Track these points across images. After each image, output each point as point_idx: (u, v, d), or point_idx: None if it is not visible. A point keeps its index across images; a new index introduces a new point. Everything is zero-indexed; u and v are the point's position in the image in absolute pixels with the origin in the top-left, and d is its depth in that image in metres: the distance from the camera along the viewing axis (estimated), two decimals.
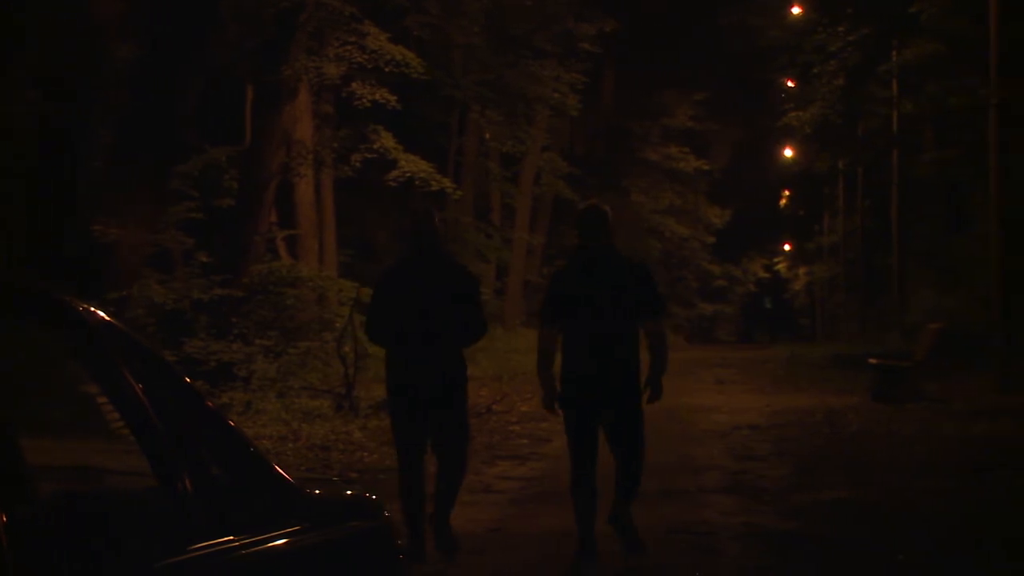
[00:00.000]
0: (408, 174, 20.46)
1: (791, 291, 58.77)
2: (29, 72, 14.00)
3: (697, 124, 42.95)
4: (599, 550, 7.21)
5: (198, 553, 3.01)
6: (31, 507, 2.66)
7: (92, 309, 3.18)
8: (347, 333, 16.01)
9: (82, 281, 12.08)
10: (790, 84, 37.91)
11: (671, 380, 7.99)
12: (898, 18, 25.43)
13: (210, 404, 3.53)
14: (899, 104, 29.26)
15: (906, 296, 29.97)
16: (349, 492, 4.82)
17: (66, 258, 12.70)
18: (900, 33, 26.61)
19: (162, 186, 14.30)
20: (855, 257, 39.15)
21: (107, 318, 3.22)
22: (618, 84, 41.04)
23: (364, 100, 19.14)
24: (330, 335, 17.43)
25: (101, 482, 3.47)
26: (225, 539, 3.12)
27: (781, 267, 58.34)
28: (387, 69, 18.79)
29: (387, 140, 20.43)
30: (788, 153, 46.36)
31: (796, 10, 35.05)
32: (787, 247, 57.70)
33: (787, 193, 53.14)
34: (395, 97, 19.17)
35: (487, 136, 29.39)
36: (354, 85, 19.15)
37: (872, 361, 18.02)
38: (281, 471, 3.54)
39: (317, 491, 3.92)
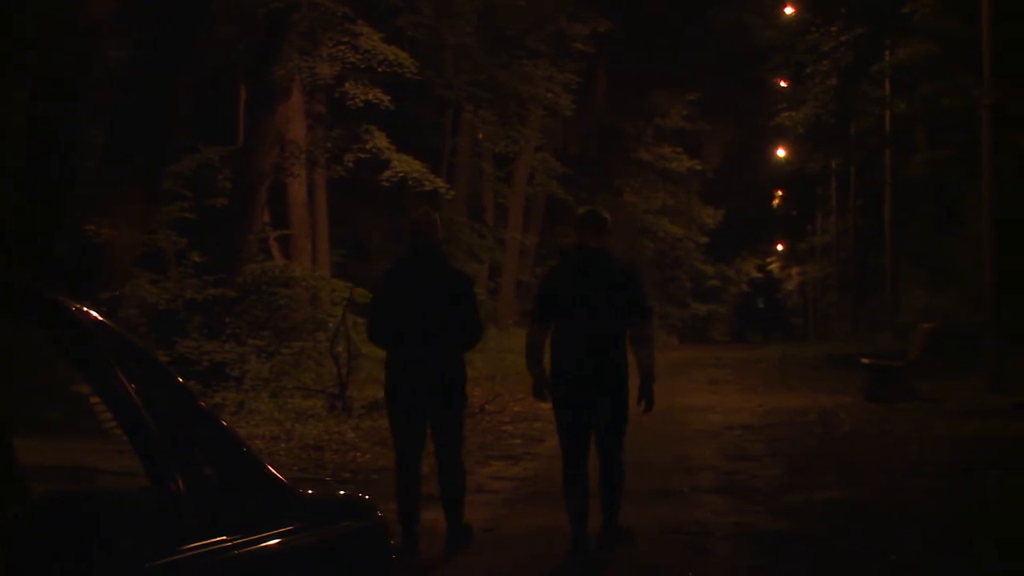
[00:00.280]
0: (401, 174, 20.44)
1: (784, 291, 58.78)
2: (22, 72, 13.98)
3: (690, 124, 42.91)
4: (591, 549, 7.24)
5: (191, 553, 3.01)
6: (23, 507, 2.66)
7: (85, 309, 3.18)
8: (340, 333, 15.99)
9: (74, 281, 12.05)
10: (783, 84, 37.99)
11: (663, 381, 8.03)
12: (891, 18, 25.45)
13: (203, 404, 3.53)
14: (892, 104, 29.32)
15: (898, 296, 29.98)
16: (342, 492, 4.82)
17: (58, 258, 12.66)
18: (893, 33, 26.64)
19: (155, 186, 14.26)
20: (848, 257, 39.14)
21: (100, 318, 3.22)
22: (611, 84, 41.04)
23: (357, 100, 19.12)
24: (323, 335, 17.42)
25: (93, 482, 3.47)
26: (218, 539, 3.12)
27: (774, 267, 58.36)
28: (380, 69, 18.77)
29: (380, 140, 20.41)
30: (781, 153, 46.43)
31: (789, 10, 35.11)
32: (780, 247, 57.72)
33: (780, 193, 53.17)
34: (388, 97, 19.15)
35: (480, 136, 29.36)
36: (347, 85, 19.14)
37: (864, 361, 18.04)
38: (274, 471, 3.54)
39: (310, 491, 3.92)
